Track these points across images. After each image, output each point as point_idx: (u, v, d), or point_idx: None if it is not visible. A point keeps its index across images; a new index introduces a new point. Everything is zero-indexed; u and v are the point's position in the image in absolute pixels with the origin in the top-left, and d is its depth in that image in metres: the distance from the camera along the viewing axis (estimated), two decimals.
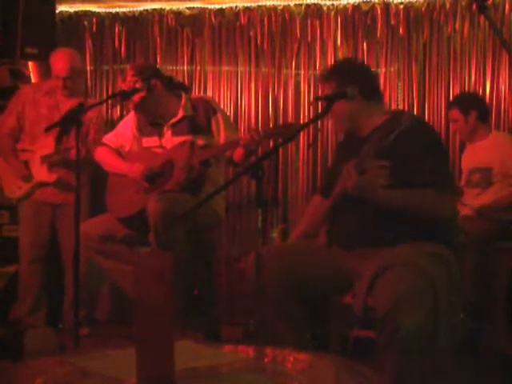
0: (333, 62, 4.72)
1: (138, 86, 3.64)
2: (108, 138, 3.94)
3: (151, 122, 3.80)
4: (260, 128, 4.89)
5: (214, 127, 3.74)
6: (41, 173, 4.12)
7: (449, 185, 2.65)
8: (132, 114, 3.90)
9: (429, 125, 2.78)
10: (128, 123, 3.91)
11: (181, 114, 3.74)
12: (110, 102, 4.72)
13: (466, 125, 4.19)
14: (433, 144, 2.69)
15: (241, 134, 4.21)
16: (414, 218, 2.58)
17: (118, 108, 5.12)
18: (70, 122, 3.41)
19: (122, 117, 4.92)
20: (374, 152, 2.50)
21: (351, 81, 2.71)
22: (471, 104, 4.23)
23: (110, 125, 5.05)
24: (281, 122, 5.09)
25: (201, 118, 3.75)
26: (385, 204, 2.56)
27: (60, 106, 4.15)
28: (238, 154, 3.60)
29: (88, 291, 4.15)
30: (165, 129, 3.77)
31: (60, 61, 4.11)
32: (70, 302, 4.05)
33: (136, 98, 3.65)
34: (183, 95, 3.82)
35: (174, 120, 3.75)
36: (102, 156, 3.92)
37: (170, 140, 3.74)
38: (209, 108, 3.77)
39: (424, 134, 2.68)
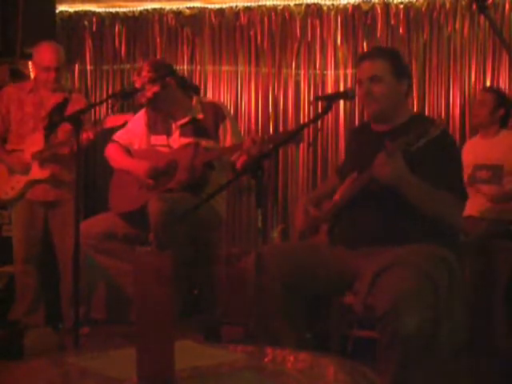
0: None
1: (137, 85, 3.65)
2: (118, 135, 3.96)
3: (161, 121, 3.81)
4: (260, 132, 4.91)
5: (220, 133, 3.74)
6: (32, 170, 4.11)
7: (462, 193, 2.70)
8: (143, 110, 3.91)
9: (451, 136, 2.88)
10: (139, 120, 3.92)
11: (189, 116, 3.75)
12: (109, 101, 4.71)
13: (491, 114, 4.17)
14: (455, 156, 2.77)
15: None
16: (420, 219, 2.59)
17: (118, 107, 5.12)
18: (69, 122, 3.39)
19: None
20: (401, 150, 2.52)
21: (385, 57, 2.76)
22: (506, 101, 4.24)
23: None
24: (281, 121, 5.10)
25: (209, 122, 3.75)
26: (412, 193, 2.56)
27: (44, 103, 4.14)
28: (241, 162, 3.61)
29: (85, 290, 4.15)
30: (173, 128, 3.79)
31: (48, 52, 4.08)
32: (68, 301, 4.06)
33: (149, 93, 3.66)
34: (194, 97, 3.83)
35: (182, 121, 3.76)
36: (111, 152, 3.94)
37: (177, 140, 3.76)
38: (218, 113, 3.77)
39: (449, 147, 2.73)
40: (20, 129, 4.15)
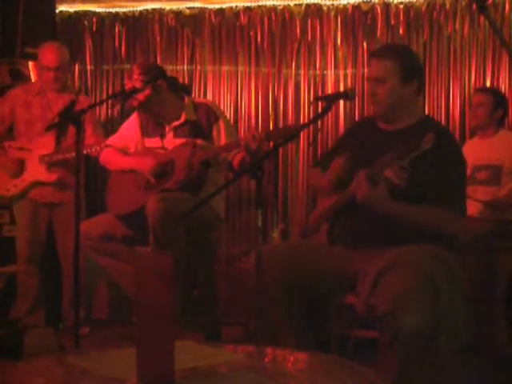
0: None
1: (138, 85, 3.65)
2: (113, 140, 3.95)
3: (154, 123, 3.81)
4: (260, 130, 4.90)
5: (214, 133, 3.74)
6: (39, 172, 4.11)
7: (461, 204, 2.70)
8: (135, 114, 3.91)
9: (454, 137, 2.87)
10: (132, 124, 3.91)
11: (184, 117, 3.75)
12: (110, 101, 4.71)
13: (490, 116, 4.16)
14: (457, 163, 2.74)
15: (241, 135, 4.21)
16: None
17: (119, 108, 5.12)
18: (69, 122, 3.41)
19: (122, 116, 4.94)
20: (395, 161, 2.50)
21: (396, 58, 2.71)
22: (503, 101, 4.24)
23: (110, 125, 5.07)
24: (281, 121, 5.10)
25: (202, 122, 3.75)
26: (393, 217, 2.58)
27: (52, 105, 4.16)
28: (237, 161, 3.61)
29: (86, 290, 4.16)
30: (167, 130, 3.79)
31: (49, 52, 4.12)
32: (69, 301, 4.06)
33: (141, 96, 3.66)
34: (186, 98, 3.82)
35: (176, 123, 3.76)
36: (108, 156, 3.92)
37: (171, 141, 3.76)
38: (211, 114, 3.77)
39: (450, 153, 2.70)
40: (28, 130, 4.18)
